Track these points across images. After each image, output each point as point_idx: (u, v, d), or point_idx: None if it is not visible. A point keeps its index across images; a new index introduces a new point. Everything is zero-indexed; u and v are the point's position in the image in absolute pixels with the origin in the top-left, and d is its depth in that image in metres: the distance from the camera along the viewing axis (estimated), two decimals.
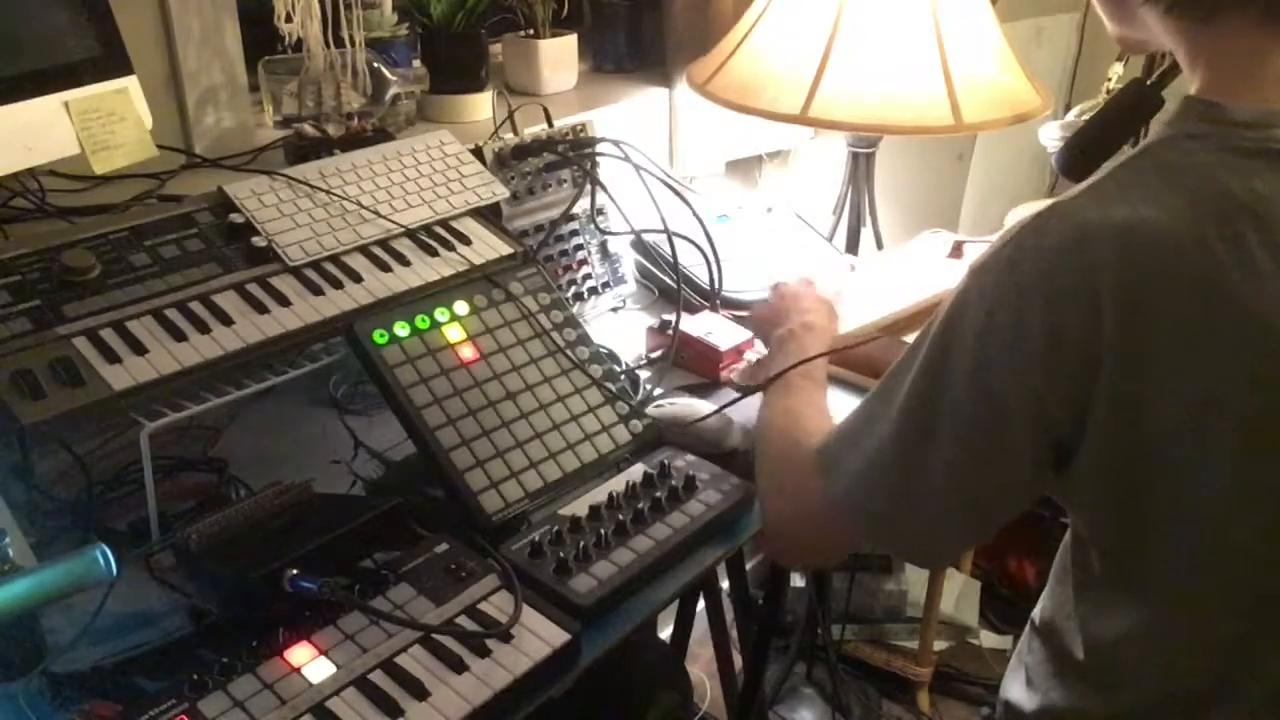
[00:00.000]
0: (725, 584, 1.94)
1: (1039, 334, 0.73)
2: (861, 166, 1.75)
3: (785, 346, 1.13)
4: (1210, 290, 0.70)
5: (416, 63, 1.64)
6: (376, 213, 1.23)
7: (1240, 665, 0.81)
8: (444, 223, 1.27)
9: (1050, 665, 0.90)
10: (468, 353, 1.13)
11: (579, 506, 1.05)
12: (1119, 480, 0.76)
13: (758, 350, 1.33)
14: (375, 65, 1.52)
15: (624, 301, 1.54)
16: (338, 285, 1.15)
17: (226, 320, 1.06)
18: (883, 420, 0.82)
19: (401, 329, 1.11)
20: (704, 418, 1.18)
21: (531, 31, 1.74)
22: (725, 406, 1.17)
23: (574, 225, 1.49)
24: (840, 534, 0.89)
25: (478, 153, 1.40)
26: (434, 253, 1.22)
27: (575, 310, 1.29)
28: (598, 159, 1.49)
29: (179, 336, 1.03)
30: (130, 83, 1.14)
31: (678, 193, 1.48)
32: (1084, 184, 0.75)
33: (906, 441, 0.80)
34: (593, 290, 1.50)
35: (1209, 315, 0.70)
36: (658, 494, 1.07)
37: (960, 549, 0.87)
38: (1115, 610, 0.83)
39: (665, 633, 2.01)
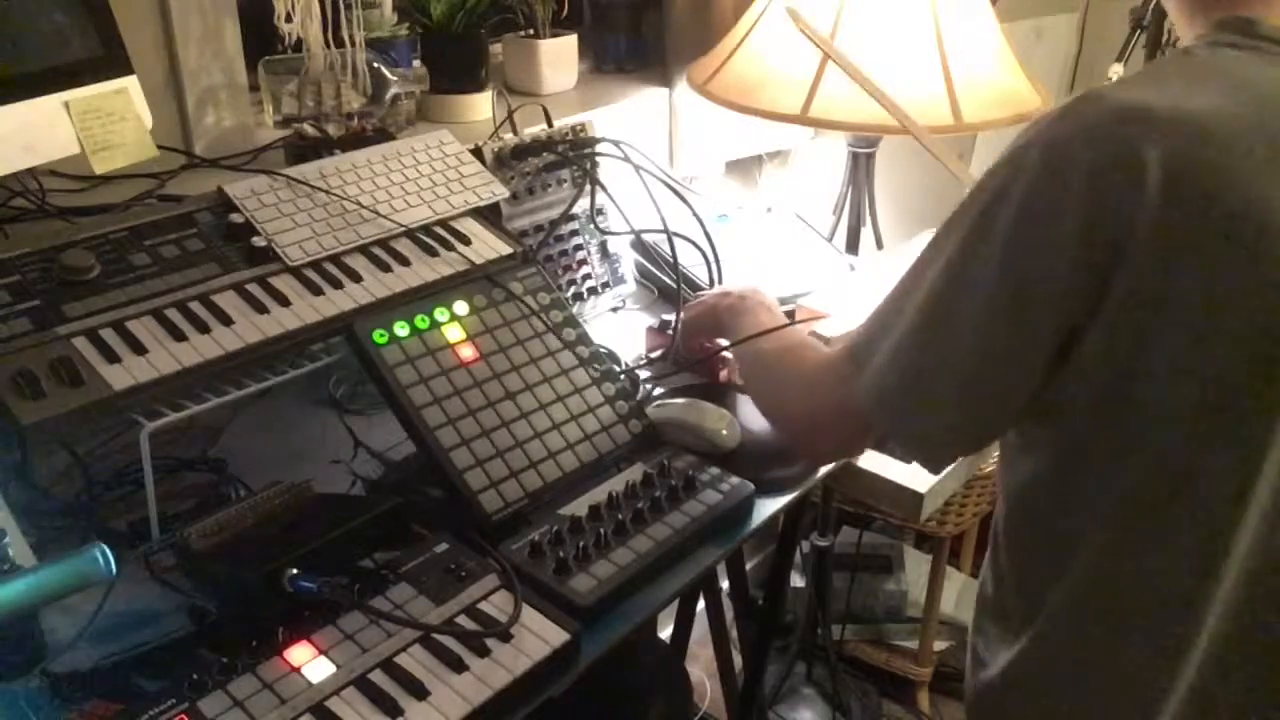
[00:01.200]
0: (725, 584, 1.94)
1: (1073, 213, 0.73)
2: (861, 166, 1.75)
3: (744, 306, 1.21)
4: (1240, 185, 0.71)
5: (416, 63, 1.64)
6: (376, 213, 1.23)
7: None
8: (444, 223, 1.27)
9: (989, 634, 0.95)
10: (467, 352, 1.13)
11: (579, 506, 1.05)
12: (1106, 376, 0.77)
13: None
14: (375, 65, 1.52)
15: (624, 301, 1.54)
16: (338, 285, 1.15)
17: (226, 320, 1.06)
18: (906, 311, 0.84)
19: (401, 329, 1.11)
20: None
21: (531, 31, 1.74)
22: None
23: (574, 225, 1.49)
24: (862, 426, 0.93)
25: (478, 153, 1.40)
26: (434, 253, 1.22)
27: (575, 310, 1.29)
28: (597, 159, 1.49)
29: (179, 336, 1.03)
30: (130, 83, 1.14)
31: (678, 193, 1.48)
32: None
33: (926, 330, 0.82)
34: (592, 290, 1.50)
35: (1238, 207, 0.71)
36: (658, 494, 1.07)
37: (958, 449, 0.90)
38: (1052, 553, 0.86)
39: (665, 633, 2.01)
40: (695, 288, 1.48)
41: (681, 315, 1.31)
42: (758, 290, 1.26)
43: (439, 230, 1.25)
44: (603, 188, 1.49)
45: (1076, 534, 0.84)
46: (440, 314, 1.14)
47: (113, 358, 0.99)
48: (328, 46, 1.45)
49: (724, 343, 1.32)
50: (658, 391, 1.28)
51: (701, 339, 1.31)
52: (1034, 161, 0.76)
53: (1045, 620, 0.88)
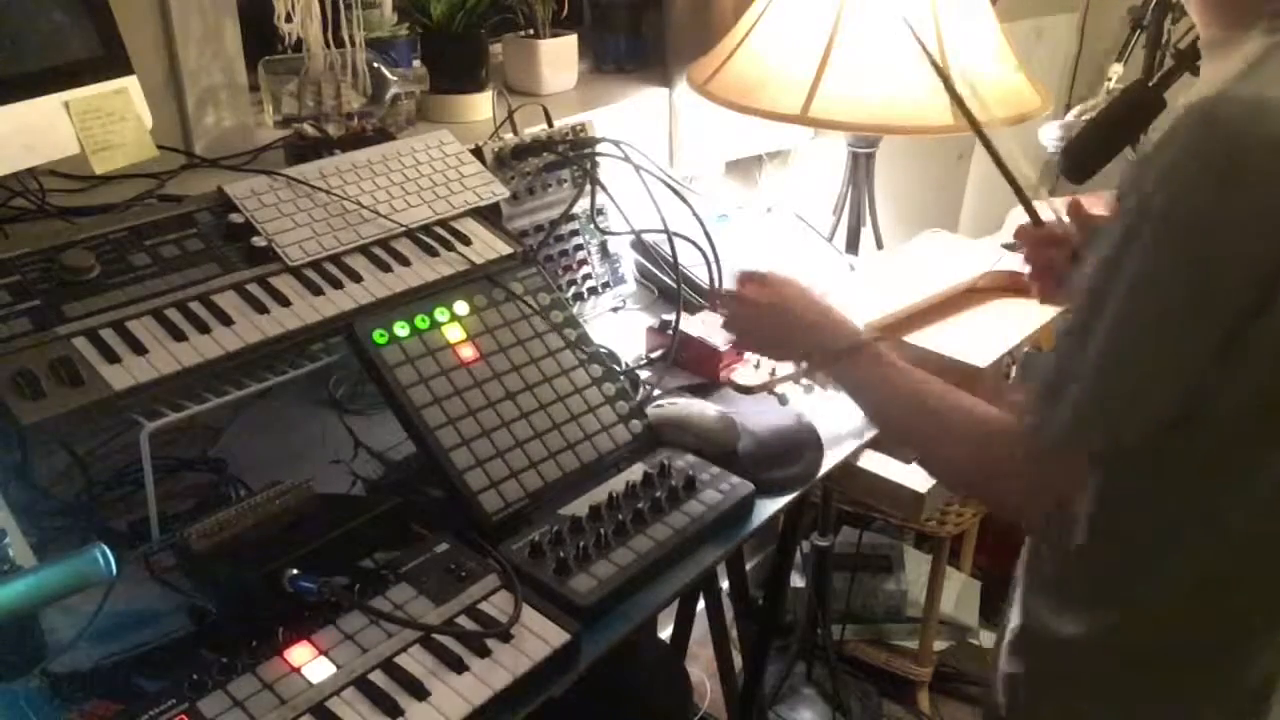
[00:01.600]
0: (725, 584, 1.94)
1: (1235, 224, 0.73)
2: (861, 166, 1.75)
3: (809, 320, 1.11)
4: None
5: (416, 63, 1.64)
6: (376, 213, 1.23)
7: None
8: (444, 223, 1.27)
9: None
10: (468, 353, 1.13)
11: (579, 506, 1.05)
12: (1264, 377, 0.77)
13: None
14: (375, 65, 1.52)
15: (624, 301, 1.54)
16: (338, 285, 1.15)
17: (226, 320, 1.06)
18: (1089, 349, 0.82)
19: (401, 329, 1.11)
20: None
21: (531, 31, 1.74)
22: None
23: (574, 225, 1.49)
24: (1071, 470, 0.90)
25: (478, 153, 1.40)
26: (434, 253, 1.22)
27: (575, 310, 1.29)
28: (598, 159, 1.49)
29: (179, 336, 1.03)
30: (130, 83, 1.14)
31: (678, 193, 1.48)
32: (1218, 78, 0.76)
33: (1112, 357, 0.81)
34: (593, 290, 1.50)
35: None
36: (658, 494, 1.07)
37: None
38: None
39: (665, 633, 2.01)
40: (695, 288, 1.48)
41: (721, 310, 1.23)
42: (806, 293, 1.13)
43: (439, 230, 1.25)
44: (603, 188, 1.49)
45: (1193, 525, 0.85)
46: (440, 314, 1.14)
47: (113, 358, 0.99)
48: (328, 46, 1.45)
49: (751, 358, 1.29)
50: (658, 392, 1.28)
51: (751, 347, 1.25)
52: (1188, 175, 0.75)
53: (1143, 598, 0.88)
